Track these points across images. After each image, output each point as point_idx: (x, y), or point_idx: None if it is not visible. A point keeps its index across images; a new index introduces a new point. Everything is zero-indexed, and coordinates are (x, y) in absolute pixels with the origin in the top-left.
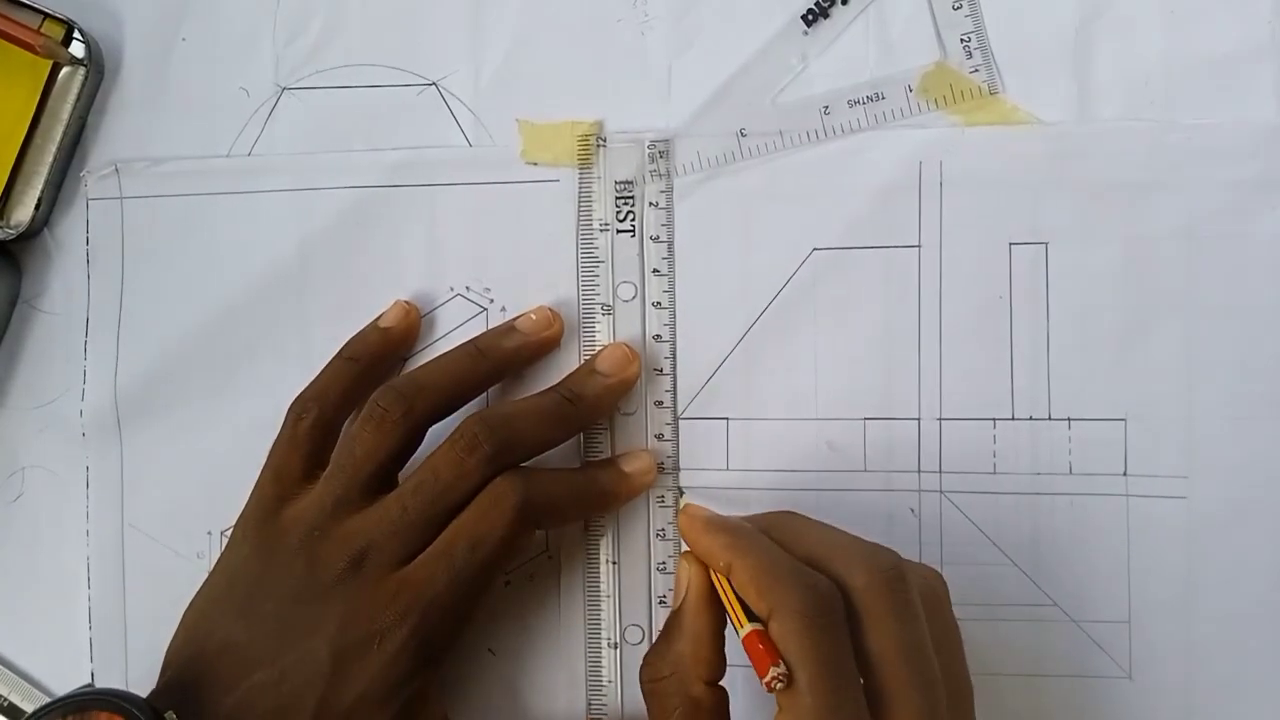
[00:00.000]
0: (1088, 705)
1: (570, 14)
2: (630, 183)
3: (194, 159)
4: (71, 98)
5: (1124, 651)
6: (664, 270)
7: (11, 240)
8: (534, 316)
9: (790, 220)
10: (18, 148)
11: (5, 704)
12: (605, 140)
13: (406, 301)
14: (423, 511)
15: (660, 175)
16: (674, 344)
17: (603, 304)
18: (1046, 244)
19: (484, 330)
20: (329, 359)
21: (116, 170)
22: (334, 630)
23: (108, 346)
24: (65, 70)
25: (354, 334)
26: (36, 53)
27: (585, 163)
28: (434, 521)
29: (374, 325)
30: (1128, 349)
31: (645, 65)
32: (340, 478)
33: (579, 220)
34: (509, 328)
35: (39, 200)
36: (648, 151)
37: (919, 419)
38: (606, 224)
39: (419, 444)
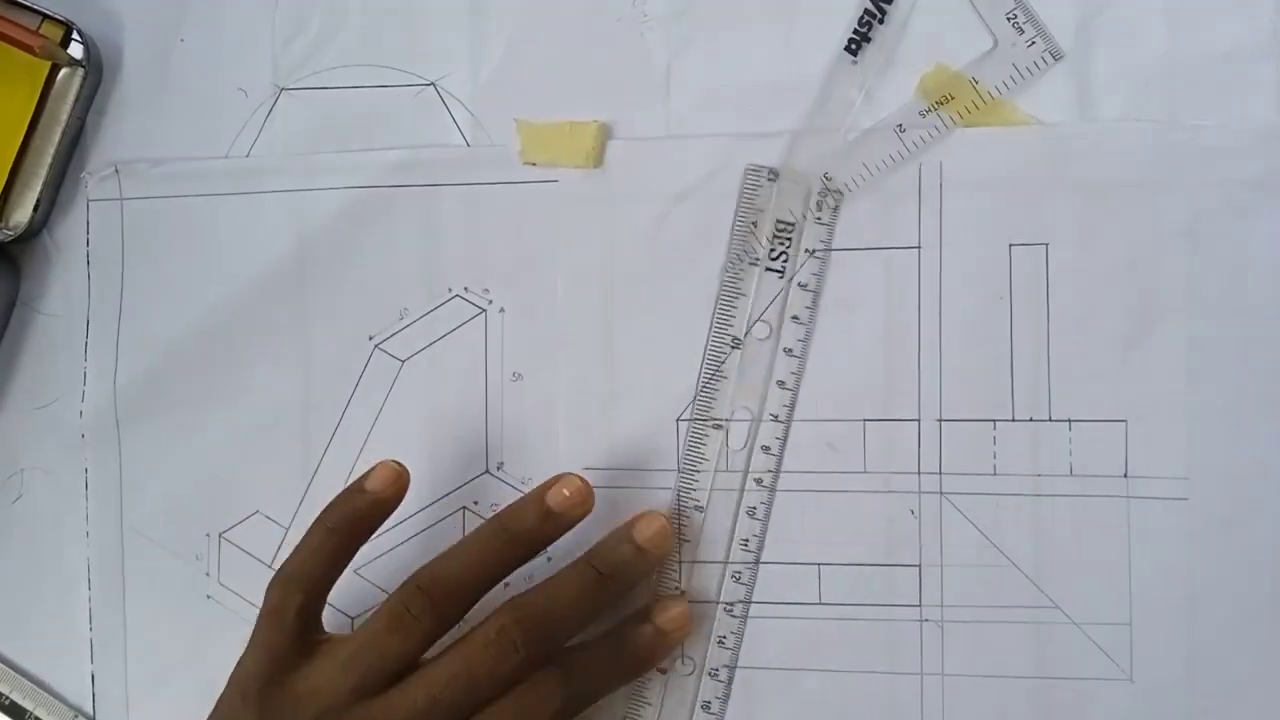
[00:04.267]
0: (1089, 707)
1: (569, 14)
2: (791, 224)
3: (193, 160)
4: (70, 99)
5: (1125, 653)
6: (803, 319)
7: (10, 241)
8: (566, 493)
9: None
10: (16, 149)
11: (7, 702)
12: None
13: (396, 463)
14: (455, 706)
15: (823, 223)
16: (795, 394)
17: (734, 338)
18: (1047, 245)
19: (510, 504)
20: (309, 528)
21: (117, 171)
22: None
23: (107, 348)
24: (64, 71)
25: (336, 496)
26: (35, 54)
27: (597, 163)
28: (464, 713)
29: (360, 489)
30: (1128, 350)
31: (645, 65)
32: (361, 669)
33: (730, 249)
34: (540, 505)
35: (38, 201)
36: (816, 198)
37: (919, 420)
38: (757, 258)
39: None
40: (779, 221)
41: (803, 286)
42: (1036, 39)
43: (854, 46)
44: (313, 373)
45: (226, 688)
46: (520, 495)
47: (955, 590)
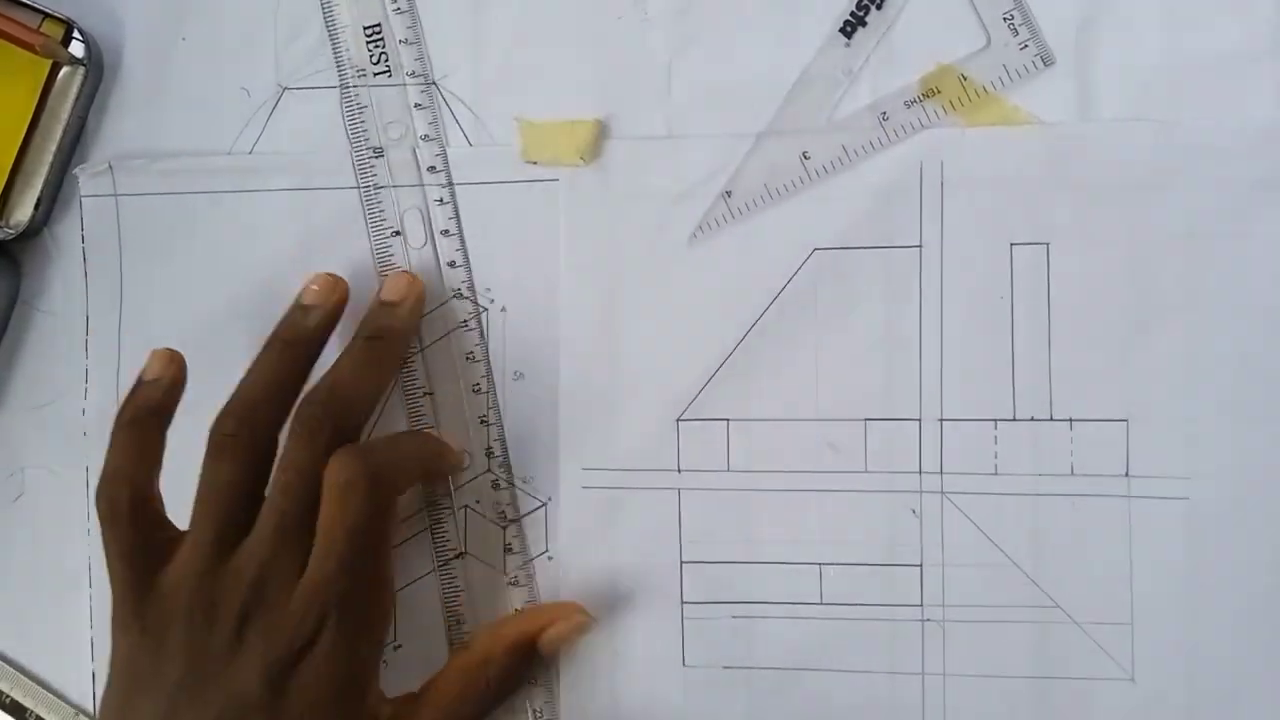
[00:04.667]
0: (1090, 707)
1: (570, 13)
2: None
3: (193, 157)
4: (71, 97)
5: (1126, 653)
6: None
7: (11, 240)
8: (315, 287)
9: (791, 220)
10: (17, 147)
11: (8, 701)
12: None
13: (168, 351)
14: (297, 509)
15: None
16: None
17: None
18: (1048, 244)
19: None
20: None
21: (110, 168)
22: (260, 664)
23: (109, 346)
24: (65, 70)
25: (125, 397)
26: (36, 52)
27: (589, 158)
28: (310, 513)
29: (139, 383)
30: (1129, 349)
31: (646, 64)
32: (210, 516)
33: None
34: (299, 307)
35: (38, 200)
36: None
37: (920, 419)
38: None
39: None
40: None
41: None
42: (1029, 42)
43: (848, 29)
44: (312, 372)
45: (112, 622)
46: (521, 493)
47: (956, 590)
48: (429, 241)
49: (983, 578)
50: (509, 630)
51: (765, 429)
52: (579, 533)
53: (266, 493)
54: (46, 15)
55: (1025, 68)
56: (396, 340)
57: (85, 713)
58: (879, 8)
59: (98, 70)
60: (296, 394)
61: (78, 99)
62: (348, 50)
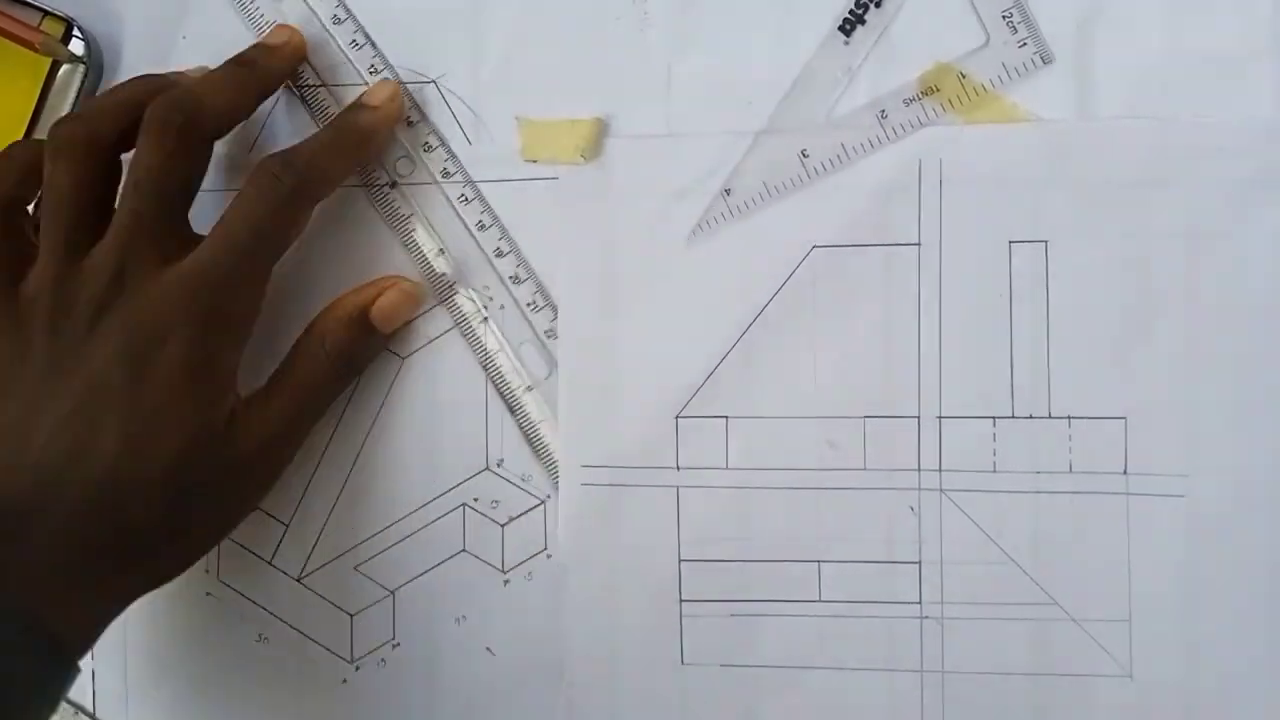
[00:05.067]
0: (1088, 704)
1: (570, 12)
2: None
3: None
4: (71, 96)
5: (1124, 650)
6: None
7: None
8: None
9: (790, 218)
10: None
11: None
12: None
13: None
14: (152, 204)
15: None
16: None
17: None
18: (1046, 242)
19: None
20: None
21: None
22: (117, 348)
23: None
24: (65, 68)
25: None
26: (36, 50)
27: (588, 157)
28: (171, 212)
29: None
30: (1128, 347)
31: (645, 63)
32: (49, 227)
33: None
34: (257, 48)
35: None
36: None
37: (919, 417)
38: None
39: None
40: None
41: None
42: (1028, 40)
43: (848, 27)
44: None
45: None
46: (520, 490)
47: (955, 587)
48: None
49: (981, 575)
50: (342, 304)
51: (764, 426)
52: (578, 530)
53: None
54: (46, 13)
55: (1024, 66)
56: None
57: (85, 712)
58: (878, 6)
59: (97, 68)
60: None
61: (77, 97)
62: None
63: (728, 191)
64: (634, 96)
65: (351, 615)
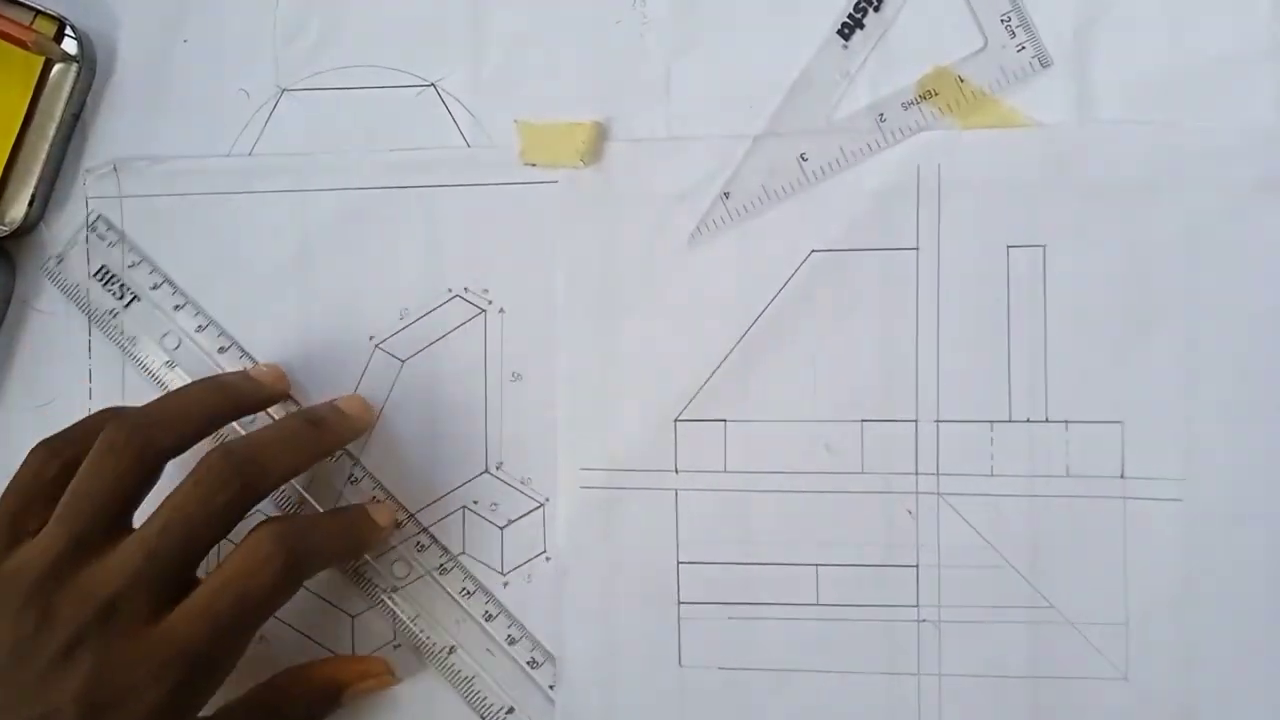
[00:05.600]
0: (1084, 707)
1: (569, 14)
2: None
3: (193, 159)
4: (64, 94)
5: (1121, 653)
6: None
7: (6, 237)
8: (265, 368)
9: (789, 223)
10: (10, 144)
11: None
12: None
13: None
14: (173, 556)
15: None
16: None
17: None
18: (1044, 247)
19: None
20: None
21: (115, 170)
22: (81, 689)
23: (110, 346)
24: (58, 67)
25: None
26: (28, 49)
27: (588, 160)
28: (186, 566)
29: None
30: (1125, 352)
31: (644, 66)
32: (71, 519)
33: None
34: (246, 375)
35: (32, 197)
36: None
37: (916, 421)
38: None
39: (156, 480)
40: None
41: None
42: (1027, 44)
43: (846, 31)
44: (313, 372)
45: None
46: (519, 493)
47: (952, 591)
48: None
49: (978, 578)
50: (316, 673)
51: (763, 430)
52: (577, 533)
53: (140, 522)
54: (39, 12)
55: (1022, 69)
56: (330, 437)
57: None
58: (876, 10)
59: (91, 66)
60: (201, 436)
61: (71, 95)
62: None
63: (727, 195)
64: (634, 100)
65: (353, 617)
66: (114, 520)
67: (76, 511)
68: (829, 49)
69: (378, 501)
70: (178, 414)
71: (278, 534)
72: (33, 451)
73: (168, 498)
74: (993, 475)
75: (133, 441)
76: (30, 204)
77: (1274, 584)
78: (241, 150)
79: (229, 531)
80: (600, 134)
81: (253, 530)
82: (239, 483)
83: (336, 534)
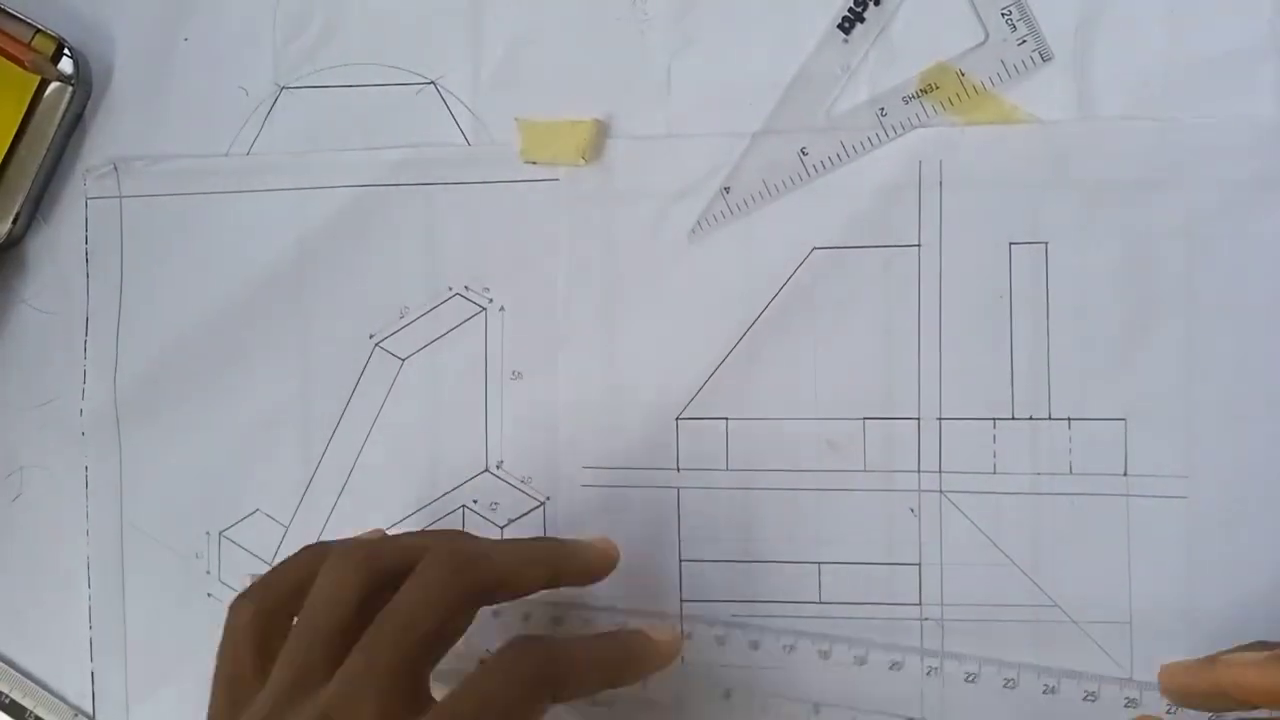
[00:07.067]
0: (1088, 705)
1: (569, 13)
2: None
3: (193, 158)
4: (58, 114)
5: (1125, 652)
6: None
7: None
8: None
9: (790, 219)
10: (0, 160)
11: (7, 701)
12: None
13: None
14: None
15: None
16: None
17: None
18: (1046, 243)
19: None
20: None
21: (115, 169)
22: None
23: (107, 346)
24: (53, 87)
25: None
26: (25, 67)
27: (588, 158)
28: (418, 671)
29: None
30: (1128, 348)
31: (645, 64)
32: (297, 646)
33: None
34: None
35: (17, 214)
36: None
37: (919, 418)
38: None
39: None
40: None
41: None
42: (1028, 38)
43: (846, 25)
44: (313, 371)
45: None
46: (520, 492)
47: (955, 589)
48: None
49: (981, 576)
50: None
51: (764, 428)
52: (578, 532)
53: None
54: (38, 31)
55: (1023, 63)
56: (634, 671)
57: (84, 713)
58: (877, 4)
59: (85, 88)
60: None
61: (64, 116)
62: None
63: (727, 189)
64: (634, 97)
65: None
66: (341, 649)
67: (302, 643)
68: (829, 43)
69: (656, 623)
70: (509, 568)
71: (536, 657)
72: (234, 609)
73: (468, 676)
74: (995, 473)
75: (456, 583)
76: (14, 221)
77: (1278, 580)
78: (240, 149)
79: (458, 628)
80: (601, 132)
81: (506, 646)
82: (538, 690)
83: (603, 658)
